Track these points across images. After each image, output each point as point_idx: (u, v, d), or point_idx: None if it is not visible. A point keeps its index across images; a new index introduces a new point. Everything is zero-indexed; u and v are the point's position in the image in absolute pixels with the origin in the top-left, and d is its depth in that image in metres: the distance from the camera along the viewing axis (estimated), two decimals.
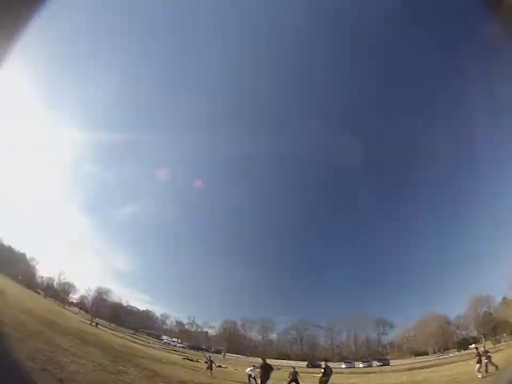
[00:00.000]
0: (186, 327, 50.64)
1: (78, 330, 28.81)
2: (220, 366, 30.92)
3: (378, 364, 36.40)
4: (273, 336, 48.22)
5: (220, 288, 48.07)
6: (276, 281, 43.27)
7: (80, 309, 49.19)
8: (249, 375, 24.88)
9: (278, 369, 34.73)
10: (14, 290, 32.74)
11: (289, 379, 23.89)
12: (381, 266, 37.15)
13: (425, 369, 25.74)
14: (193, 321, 49.53)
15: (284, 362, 38.95)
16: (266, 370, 21.48)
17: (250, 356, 35.71)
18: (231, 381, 23.45)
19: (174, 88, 44.96)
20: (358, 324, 43.66)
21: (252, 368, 25.70)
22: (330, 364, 34.21)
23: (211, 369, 26.70)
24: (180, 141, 41.69)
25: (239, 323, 48.52)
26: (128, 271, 50.70)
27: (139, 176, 45.96)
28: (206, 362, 28.12)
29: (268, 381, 20.89)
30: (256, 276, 46.46)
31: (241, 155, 40.04)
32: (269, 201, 41.13)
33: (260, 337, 48.75)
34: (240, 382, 22.82)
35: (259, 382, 20.86)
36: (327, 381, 20.88)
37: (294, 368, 26.73)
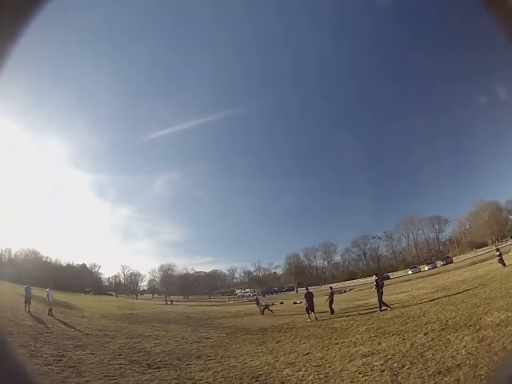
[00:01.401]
0: (254, 274, 52.59)
1: (155, 314, 30.45)
2: (295, 303, 32.04)
3: (442, 263, 36.82)
4: (337, 258, 49.42)
5: (274, 225, 49.39)
6: (327, 205, 44.07)
7: (153, 293, 51.91)
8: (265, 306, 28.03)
9: (350, 290, 35.97)
10: (86, 302, 34.87)
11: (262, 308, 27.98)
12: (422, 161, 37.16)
13: (486, 262, 25.70)
14: (259, 266, 51.32)
15: (354, 281, 39.94)
16: (309, 297, 22.98)
17: (322, 284, 36.41)
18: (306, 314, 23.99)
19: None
20: (414, 227, 44.01)
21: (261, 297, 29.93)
22: (397, 273, 35.59)
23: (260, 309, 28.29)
24: None
25: (301, 255, 49.86)
26: (184, 240, 52.71)
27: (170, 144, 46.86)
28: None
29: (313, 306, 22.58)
30: (306, 209, 47.31)
31: None
32: None
33: (325, 263, 50.10)
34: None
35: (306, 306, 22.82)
36: (382, 292, 21.98)
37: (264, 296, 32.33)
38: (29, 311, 23.26)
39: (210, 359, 13.33)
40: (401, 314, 18.27)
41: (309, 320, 21.65)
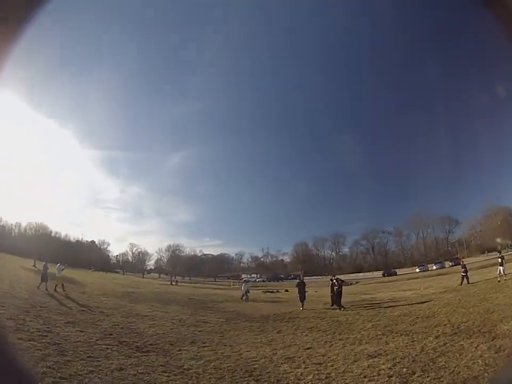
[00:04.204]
0: (262, 259, 51.94)
1: (158, 293, 29.96)
2: None
3: (450, 264, 35.82)
4: (345, 250, 48.45)
5: (284, 213, 48.48)
6: (339, 194, 43.06)
7: (159, 273, 51.59)
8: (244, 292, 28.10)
9: (356, 282, 35.39)
10: (91, 278, 34.62)
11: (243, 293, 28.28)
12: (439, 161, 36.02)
13: (496, 267, 24.37)
14: (267, 252, 50.66)
15: (361, 275, 39.12)
16: (301, 287, 23.76)
17: (328, 274, 35.60)
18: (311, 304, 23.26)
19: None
20: (424, 225, 42.79)
21: (244, 284, 29.80)
22: (404, 270, 35.20)
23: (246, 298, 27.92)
24: None
25: (310, 244, 49.06)
26: (194, 221, 52.13)
27: (185, 121, 46.40)
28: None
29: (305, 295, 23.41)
30: (317, 197, 46.31)
31: None
32: None
33: (333, 253, 49.19)
34: (316, 306, 22.72)
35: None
36: (341, 291, 22.41)
37: (246, 282, 31.37)
38: (45, 289, 22.81)
39: (204, 346, 12.48)
40: (409, 313, 17.53)
41: (301, 309, 21.88)
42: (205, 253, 51.59)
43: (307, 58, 39.70)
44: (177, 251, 50.58)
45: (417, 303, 20.39)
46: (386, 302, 22.31)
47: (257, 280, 46.25)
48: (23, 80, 29.36)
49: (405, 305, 20.36)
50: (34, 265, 31.20)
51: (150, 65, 44.32)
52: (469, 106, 32.33)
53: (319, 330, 15.22)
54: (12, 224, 43.43)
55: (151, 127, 46.48)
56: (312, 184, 45.77)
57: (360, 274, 40.71)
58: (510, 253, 31.09)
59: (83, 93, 42.21)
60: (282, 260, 50.70)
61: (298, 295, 23.34)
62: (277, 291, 34.62)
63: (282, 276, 46.30)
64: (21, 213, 40.26)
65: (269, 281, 45.21)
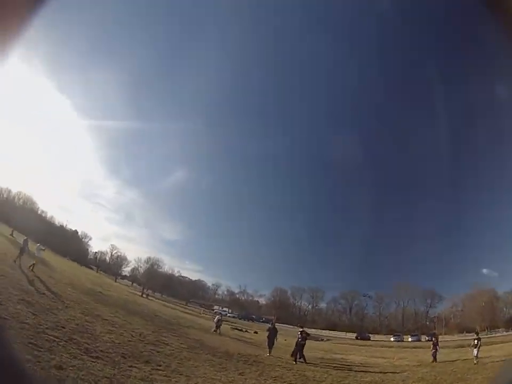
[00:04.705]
0: (237, 296, 50.64)
1: (125, 301, 28.61)
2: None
3: (427, 338, 34.98)
4: (322, 305, 47.30)
5: (270, 257, 47.23)
6: (325, 251, 41.92)
7: (133, 281, 50.08)
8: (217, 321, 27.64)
9: (328, 340, 34.25)
10: (65, 265, 33.43)
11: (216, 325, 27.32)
12: (430, 237, 35.30)
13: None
14: (244, 290, 49.38)
15: (333, 333, 38.18)
16: (272, 333, 23.31)
17: (301, 326, 34.58)
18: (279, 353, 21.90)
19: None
20: (406, 295, 41.96)
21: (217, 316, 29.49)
22: (378, 336, 34.13)
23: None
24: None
25: (289, 292, 47.90)
26: (179, 241, 50.86)
27: (183, 144, 45.87)
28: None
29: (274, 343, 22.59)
30: (305, 246, 45.22)
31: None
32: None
33: (309, 306, 48.03)
34: (284, 355, 21.38)
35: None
36: (304, 344, 21.82)
37: (220, 315, 31.01)
38: (18, 263, 22.35)
39: (159, 369, 11.20)
40: (382, 382, 16.67)
41: (267, 355, 20.86)
42: (183, 275, 50.52)
43: (305, 58, 39.50)
44: (156, 266, 49.56)
45: (391, 373, 19.13)
46: (358, 366, 21.09)
47: (228, 315, 44.85)
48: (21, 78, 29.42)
49: (377, 372, 19.09)
50: (11, 235, 30.41)
51: (151, 67, 44.28)
52: (468, 106, 31.84)
53: (284, 382, 14.01)
54: (2, 188, 42.58)
55: (156, 139, 46.10)
56: (298, 234, 44.87)
57: (333, 332, 39.72)
58: (490, 335, 30.95)
59: (83, 92, 42.32)
60: (257, 301, 49.65)
61: (267, 339, 22.52)
62: (246, 330, 33.80)
63: (254, 317, 45.03)
64: (13, 180, 39.41)
65: (239, 318, 43.87)
